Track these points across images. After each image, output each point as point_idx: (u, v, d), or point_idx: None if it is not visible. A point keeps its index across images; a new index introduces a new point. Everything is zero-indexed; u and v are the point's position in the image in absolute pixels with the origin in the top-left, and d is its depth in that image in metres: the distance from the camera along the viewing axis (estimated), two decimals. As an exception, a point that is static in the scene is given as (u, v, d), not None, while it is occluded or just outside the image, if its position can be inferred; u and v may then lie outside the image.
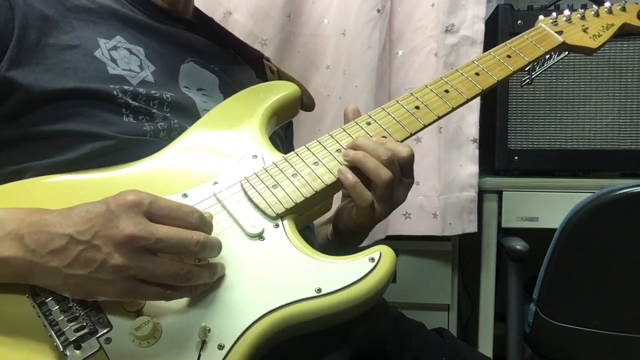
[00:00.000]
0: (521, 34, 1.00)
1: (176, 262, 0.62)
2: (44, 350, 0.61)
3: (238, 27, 1.47)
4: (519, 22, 1.46)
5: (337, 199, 0.87)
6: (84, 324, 0.62)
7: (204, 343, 0.62)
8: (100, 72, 0.80)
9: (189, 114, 0.86)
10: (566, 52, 1.11)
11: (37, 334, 0.62)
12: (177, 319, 0.64)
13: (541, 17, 1.06)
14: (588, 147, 1.50)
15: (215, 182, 0.76)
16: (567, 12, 1.06)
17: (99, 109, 0.78)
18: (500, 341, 1.52)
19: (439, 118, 0.87)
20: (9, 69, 0.76)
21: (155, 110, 0.82)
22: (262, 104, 0.87)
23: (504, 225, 1.50)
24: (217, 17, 1.39)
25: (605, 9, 1.09)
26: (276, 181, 0.76)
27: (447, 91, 0.88)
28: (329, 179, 0.77)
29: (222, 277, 0.67)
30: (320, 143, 0.81)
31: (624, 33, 1.10)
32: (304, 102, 0.99)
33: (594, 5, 1.11)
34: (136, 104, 0.80)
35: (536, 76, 1.49)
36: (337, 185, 0.78)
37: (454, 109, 0.88)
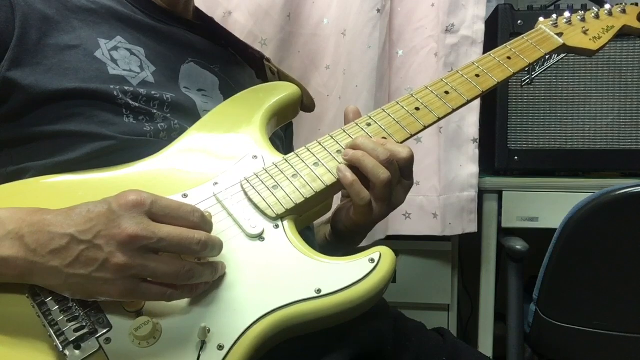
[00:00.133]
0: (521, 36, 1.00)
1: (177, 260, 0.62)
2: (44, 350, 0.61)
3: (238, 27, 1.47)
4: (519, 22, 1.46)
5: (336, 200, 0.88)
6: (84, 324, 0.62)
7: (203, 343, 0.62)
8: (100, 72, 0.80)
9: (189, 115, 0.86)
10: (566, 53, 1.11)
11: (37, 334, 0.62)
12: (177, 319, 0.64)
13: (541, 18, 1.06)
14: (588, 147, 1.50)
15: (216, 183, 0.76)
16: (567, 13, 1.06)
17: (99, 109, 0.78)
18: (500, 341, 1.52)
19: (439, 119, 0.87)
20: (9, 69, 0.76)
21: (155, 111, 0.82)
22: (263, 105, 0.87)
23: (504, 225, 1.50)
24: (217, 17, 1.39)
25: (606, 11, 1.09)
26: (276, 182, 0.76)
27: (447, 92, 0.88)
28: (329, 179, 0.77)
29: (222, 278, 0.67)
30: (320, 144, 0.81)
31: (624, 35, 1.10)
32: (304, 102, 0.99)
33: (594, 7, 1.11)
34: (136, 104, 0.80)
35: (536, 76, 1.49)
36: (337, 186, 0.78)
37: (454, 111, 0.88)
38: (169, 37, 0.92)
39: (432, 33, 1.51)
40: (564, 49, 1.03)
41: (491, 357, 1.30)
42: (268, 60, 1.06)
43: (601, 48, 1.05)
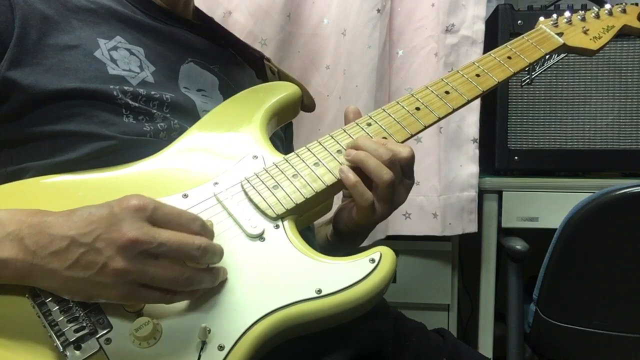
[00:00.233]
0: (522, 35, 1.00)
1: (177, 266, 0.62)
2: (44, 350, 0.61)
3: (238, 27, 1.47)
4: (519, 22, 1.46)
5: (337, 200, 0.87)
6: (84, 324, 0.62)
7: (204, 344, 0.62)
8: (100, 72, 0.80)
9: (189, 115, 0.86)
10: (566, 53, 1.11)
11: (37, 335, 0.62)
12: (177, 319, 0.64)
13: (542, 18, 1.06)
14: (588, 147, 1.50)
15: (216, 183, 0.76)
16: (567, 13, 1.06)
17: (99, 109, 0.78)
18: (500, 341, 1.52)
19: (440, 119, 0.87)
20: (9, 69, 0.76)
21: (155, 111, 0.82)
22: (263, 105, 0.87)
23: (504, 225, 1.50)
24: (217, 17, 1.39)
25: (606, 11, 1.09)
26: (276, 182, 0.76)
27: (447, 92, 0.88)
28: (330, 179, 0.77)
29: (222, 278, 0.67)
30: (320, 144, 0.81)
31: (624, 35, 1.10)
32: (305, 102, 0.99)
33: (594, 7, 1.11)
34: (136, 104, 0.80)
35: (536, 76, 1.49)
36: (337, 186, 0.78)
37: (454, 110, 0.88)
38: (168, 37, 0.92)
39: (432, 33, 1.51)
40: (564, 48, 1.03)
41: (491, 357, 1.30)
42: (268, 60, 1.06)
43: (601, 48, 1.05)
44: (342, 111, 0.87)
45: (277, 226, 0.73)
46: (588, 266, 1.27)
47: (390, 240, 1.54)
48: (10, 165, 0.79)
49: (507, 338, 1.42)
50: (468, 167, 1.50)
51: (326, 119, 1.54)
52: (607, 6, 1.09)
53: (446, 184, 1.50)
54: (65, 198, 0.69)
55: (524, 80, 1.50)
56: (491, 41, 1.47)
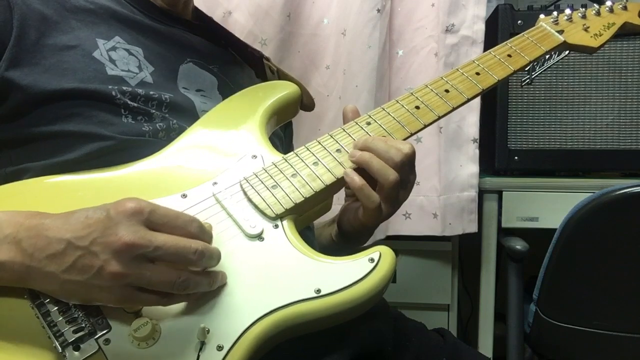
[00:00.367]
0: (522, 33, 1.00)
1: (174, 270, 0.61)
2: (43, 351, 0.61)
3: (238, 27, 1.47)
4: (519, 22, 1.46)
5: (337, 200, 0.87)
6: (83, 325, 0.62)
7: (202, 344, 0.62)
8: (98, 72, 0.80)
9: (188, 115, 0.85)
10: (567, 52, 1.11)
11: (36, 335, 0.62)
12: (176, 320, 0.64)
13: (542, 16, 1.06)
14: (588, 147, 1.50)
15: (215, 183, 0.76)
16: (568, 11, 1.05)
17: (97, 109, 0.78)
18: (500, 341, 1.52)
19: (439, 118, 0.86)
20: (7, 69, 0.76)
21: (154, 111, 0.82)
22: (262, 104, 0.87)
23: (504, 225, 1.50)
24: (217, 17, 1.39)
25: (607, 8, 1.08)
26: (275, 181, 0.76)
27: (447, 91, 0.88)
28: (329, 179, 0.77)
29: (221, 278, 0.67)
30: (320, 143, 0.81)
31: (625, 32, 1.10)
32: (304, 102, 0.99)
33: (595, 5, 1.11)
34: (135, 104, 0.80)
35: (536, 76, 1.49)
36: (337, 185, 0.78)
37: (454, 109, 0.88)
38: (167, 37, 0.92)
39: (432, 33, 1.51)
40: (564, 46, 1.02)
41: (491, 357, 1.30)
42: (267, 59, 1.06)
43: (602, 45, 1.04)
44: (342, 111, 0.87)
45: (276, 226, 0.73)
46: (588, 266, 1.26)
47: (390, 240, 1.54)
48: (10, 166, 0.79)
49: (507, 338, 1.42)
50: (468, 167, 1.49)
51: (326, 118, 1.54)
52: (608, 3, 1.09)
53: (446, 184, 1.49)
54: (64, 198, 0.68)
55: (524, 80, 1.50)
56: (491, 41, 1.46)
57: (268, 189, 0.75)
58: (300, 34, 1.54)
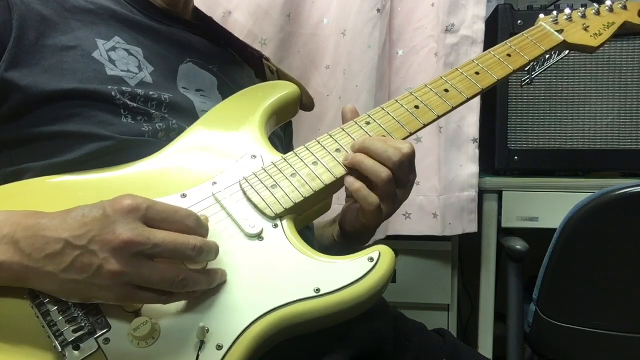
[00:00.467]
0: (521, 33, 1.00)
1: (173, 268, 0.61)
2: (43, 351, 0.61)
3: (238, 27, 1.47)
4: (519, 22, 1.46)
5: (337, 200, 0.87)
6: (83, 324, 0.62)
7: (202, 343, 0.62)
8: (98, 73, 0.80)
9: (188, 115, 0.85)
10: (567, 52, 1.11)
11: (36, 335, 0.62)
12: (176, 319, 0.64)
13: (542, 15, 1.06)
14: (588, 147, 1.50)
15: (214, 183, 0.76)
16: (567, 10, 1.05)
17: (97, 109, 0.78)
18: (500, 341, 1.52)
19: (439, 117, 0.86)
20: (7, 70, 0.76)
21: (153, 111, 0.82)
22: (262, 104, 0.87)
23: (504, 225, 1.50)
24: (217, 17, 1.39)
25: (607, 8, 1.08)
26: (275, 181, 0.76)
27: (447, 90, 0.88)
28: (328, 178, 0.77)
29: (221, 278, 0.67)
30: (319, 143, 0.81)
31: (625, 32, 1.10)
32: (304, 102, 0.99)
33: (595, 4, 1.11)
34: (134, 104, 0.80)
35: (536, 76, 1.49)
36: (336, 185, 0.78)
37: (454, 109, 0.88)
38: (167, 37, 0.92)
39: (432, 33, 1.51)
40: (564, 45, 1.02)
41: (491, 357, 1.29)
42: (267, 59, 1.06)
43: (602, 45, 1.04)
44: (341, 111, 0.87)
45: (276, 226, 0.73)
46: (588, 266, 1.26)
47: (390, 240, 1.54)
48: (10, 166, 0.79)
49: (507, 338, 1.42)
50: (468, 167, 1.49)
51: (326, 118, 1.54)
52: (608, 3, 1.09)
53: (446, 184, 1.49)
54: (64, 199, 0.68)
55: (524, 80, 1.50)
56: (491, 41, 1.46)
57: (267, 188, 0.75)
58: (300, 34, 1.54)
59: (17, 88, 0.76)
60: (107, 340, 0.62)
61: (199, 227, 0.64)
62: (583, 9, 1.07)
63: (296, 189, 0.75)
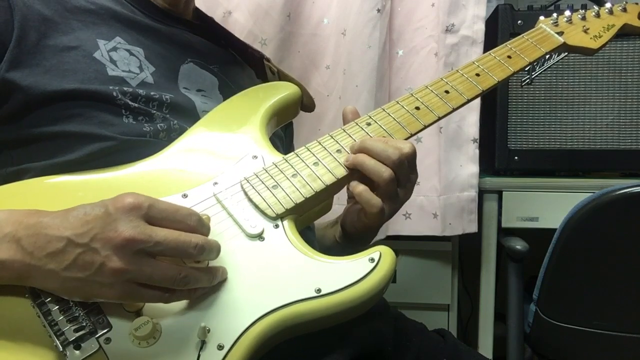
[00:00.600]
0: (522, 35, 1.00)
1: (174, 265, 0.62)
2: (44, 350, 0.61)
3: (238, 26, 1.48)
4: (519, 22, 1.46)
5: (337, 200, 0.87)
6: (84, 324, 0.62)
7: (203, 343, 0.62)
8: (99, 73, 0.80)
9: (189, 115, 0.86)
10: (566, 53, 1.11)
11: (37, 334, 0.62)
12: (177, 319, 0.64)
13: (542, 17, 1.06)
14: (588, 147, 1.50)
15: (215, 183, 0.76)
16: (567, 12, 1.05)
17: (98, 110, 0.78)
18: (500, 341, 1.52)
19: (439, 119, 0.87)
20: (8, 70, 0.76)
21: (154, 111, 0.82)
22: (263, 105, 0.87)
23: (504, 225, 1.50)
24: (217, 17, 1.39)
25: (606, 10, 1.09)
26: (276, 182, 0.76)
27: (447, 92, 0.88)
28: (329, 179, 0.77)
29: (221, 278, 0.67)
30: (320, 143, 0.81)
31: (625, 34, 1.10)
32: (304, 102, 0.99)
33: (594, 6, 1.11)
34: (136, 105, 0.80)
35: (536, 76, 1.49)
36: (337, 185, 0.78)
37: (454, 110, 0.88)
38: (168, 37, 0.92)
39: (432, 33, 1.51)
40: (564, 47, 1.02)
41: (491, 357, 1.30)
42: (268, 60, 1.06)
43: (602, 47, 1.04)
44: (342, 111, 0.87)
45: (277, 226, 0.73)
46: (588, 266, 1.26)
47: (390, 240, 1.54)
48: (11, 166, 0.79)
49: (507, 338, 1.42)
50: (468, 167, 1.49)
51: (326, 119, 1.54)
52: (608, 5, 1.09)
53: (446, 184, 1.50)
54: (65, 198, 0.68)
55: (524, 80, 1.50)
56: (491, 41, 1.47)
57: (268, 189, 0.75)
58: (300, 34, 1.54)
59: (18, 88, 0.76)
60: (108, 340, 0.62)
61: (200, 226, 0.64)
62: (583, 11, 1.08)
63: (297, 189, 0.75)
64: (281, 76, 1.06)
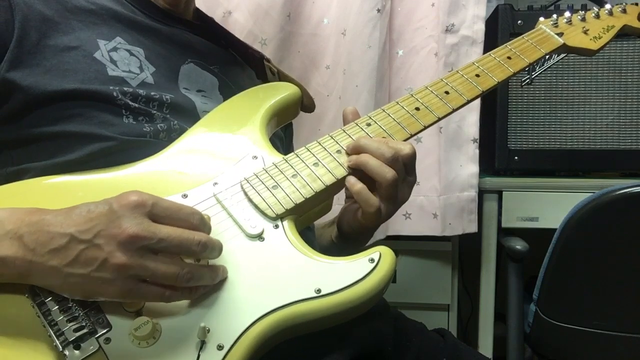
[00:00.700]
0: (521, 36, 1.00)
1: (177, 262, 0.62)
2: (43, 350, 0.61)
3: (238, 26, 1.48)
4: (519, 22, 1.46)
5: (337, 200, 0.87)
6: (84, 324, 0.62)
7: (203, 343, 0.62)
8: (100, 73, 0.80)
9: (189, 115, 0.86)
10: (566, 53, 1.11)
11: (37, 334, 0.62)
12: (177, 319, 0.64)
13: (542, 18, 1.06)
14: (588, 147, 1.50)
15: (215, 183, 0.76)
16: (567, 13, 1.06)
17: (98, 110, 0.78)
18: (500, 341, 1.52)
19: (439, 119, 0.87)
20: (8, 70, 0.76)
21: (155, 112, 0.82)
22: (263, 105, 0.87)
23: (504, 225, 1.50)
24: (217, 17, 1.39)
25: (606, 11, 1.09)
26: (276, 182, 0.76)
27: (447, 92, 0.88)
28: (329, 179, 0.77)
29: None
30: (320, 144, 0.81)
31: (625, 35, 1.10)
32: (304, 103, 0.99)
33: (594, 7, 1.11)
34: (136, 105, 0.80)
35: (536, 76, 1.49)
36: (337, 186, 0.78)
37: (454, 110, 0.88)
38: (168, 37, 0.92)
39: (432, 33, 1.51)
40: (564, 48, 1.03)
41: (491, 357, 1.30)
42: (268, 60, 1.06)
43: (601, 48, 1.05)
44: (342, 111, 0.87)
45: (277, 226, 0.73)
46: (588, 266, 1.26)
47: (390, 240, 1.54)
48: (11, 166, 0.79)
49: (507, 338, 1.42)
50: (468, 167, 1.50)
51: (326, 119, 1.54)
52: (607, 6, 1.09)
53: (446, 184, 1.50)
54: (65, 199, 0.68)
55: (524, 80, 1.50)
56: (491, 41, 1.47)
57: (268, 189, 0.75)
58: (300, 34, 1.54)
59: (18, 88, 0.76)
60: (107, 340, 0.62)
61: (202, 224, 0.65)
62: (582, 12, 1.08)
63: (297, 189, 0.75)
64: (281, 77, 1.06)
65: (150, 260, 0.60)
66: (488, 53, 0.96)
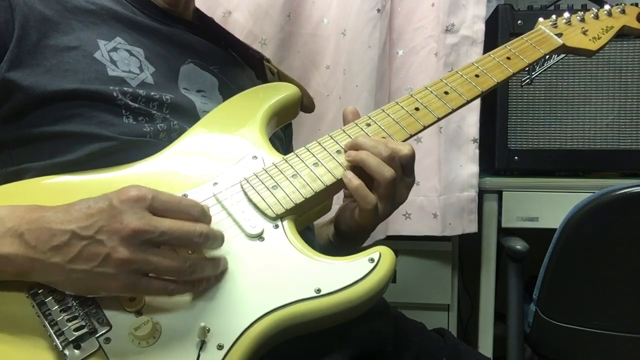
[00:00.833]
0: (521, 36, 1.00)
1: (179, 255, 0.63)
2: (44, 350, 0.61)
3: (238, 26, 1.48)
4: (519, 22, 1.46)
5: (337, 200, 0.88)
6: (84, 323, 0.62)
7: (203, 343, 0.62)
8: (100, 73, 0.80)
9: (189, 116, 0.86)
10: (565, 54, 1.11)
11: (37, 334, 0.62)
12: (177, 318, 0.64)
13: (541, 19, 1.06)
14: (588, 147, 1.50)
15: (215, 183, 0.76)
16: (566, 14, 1.06)
17: (98, 110, 0.78)
18: (500, 341, 1.52)
19: (439, 119, 0.87)
20: (8, 70, 0.76)
21: (154, 112, 0.82)
22: (263, 105, 0.87)
23: (504, 225, 1.50)
24: (217, 17, 1.39)
25: (605, 12, 1.09)
26: (276, 182, 0.76)
27: (446, 93, 0.89)
28: (329, 179, 0.77)
29: (221, 277, 0.67)
30: (320, 144, 0.81)
31: (624, 35, 1.10)
32: (304, 103, 0.99)
33: (593, 7, 1.11)
34: (136, 105, 0.80)
35: (536, 76, 1.49)
36: (337, 186, 0.78)
37: (453, 111, 0.88)
38: (168, 37, 0.92)
39: (432, 33, 1.51)
40: (563, 49, 1.03)
41: (491, 357, 1.30)
42: (268, 60, 1.06)
43: (601, 48, 1.05)
44: (342, 111, 0.87)
45: (277, 226, 0.73)
46: (588, 266, 1.26)
47: (390, 240, 1.54)
48: (11, 166, 0.79)
49: (507, 338, 1.42)
50: (468, 167, 1.50)
51: (326, 119, 1.54)
52: (607, 7, 1.10)
53: (446, 184, 1.50)
54: (65, 198, 0.68)
55: (524, 80, 1.50)
56: (491, 41, 1.47)
57: (268, 189, 0.75)
58: (300, 34, 1.54)
59: (18, 88, 0.76)
60: (107, 340, 0.62)
61: (203, 216, 0.65)
62: (582, 12, 1.08)
63: (297, 189, 0.76)
64: (281, 77, 1.06)
65: (152, 254, 0.61)
66: (487, 53, 0.96)
